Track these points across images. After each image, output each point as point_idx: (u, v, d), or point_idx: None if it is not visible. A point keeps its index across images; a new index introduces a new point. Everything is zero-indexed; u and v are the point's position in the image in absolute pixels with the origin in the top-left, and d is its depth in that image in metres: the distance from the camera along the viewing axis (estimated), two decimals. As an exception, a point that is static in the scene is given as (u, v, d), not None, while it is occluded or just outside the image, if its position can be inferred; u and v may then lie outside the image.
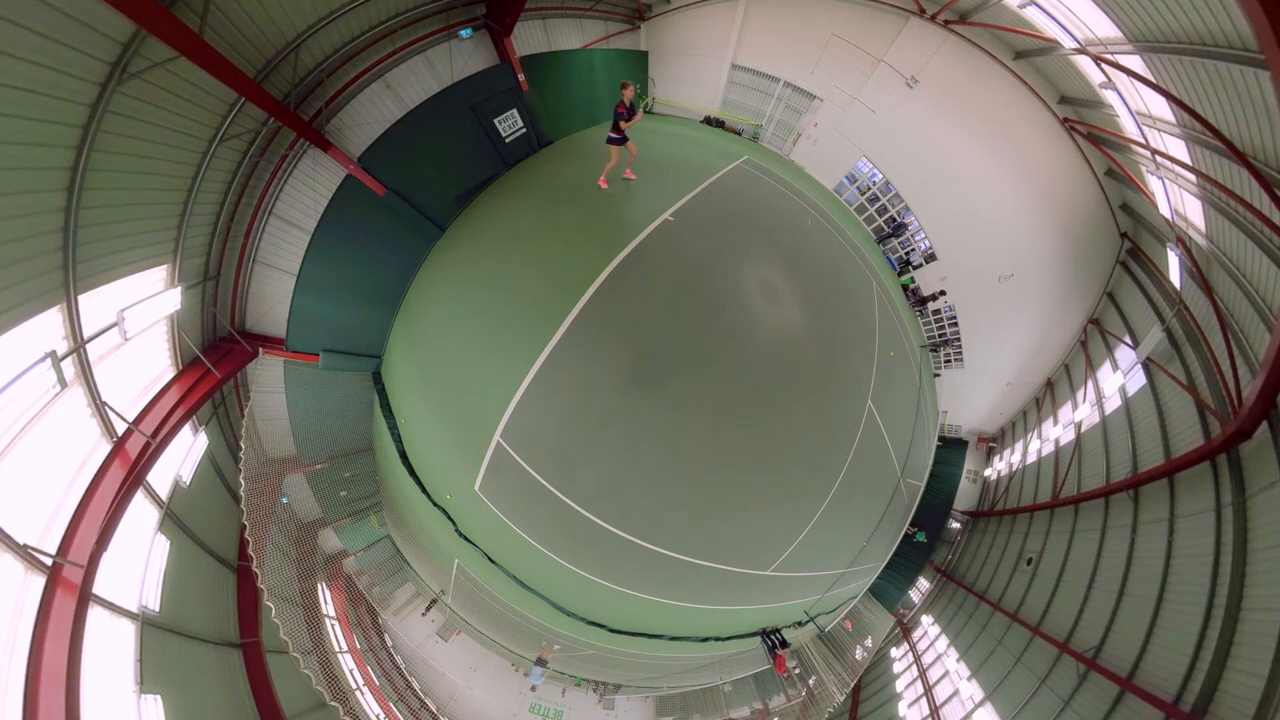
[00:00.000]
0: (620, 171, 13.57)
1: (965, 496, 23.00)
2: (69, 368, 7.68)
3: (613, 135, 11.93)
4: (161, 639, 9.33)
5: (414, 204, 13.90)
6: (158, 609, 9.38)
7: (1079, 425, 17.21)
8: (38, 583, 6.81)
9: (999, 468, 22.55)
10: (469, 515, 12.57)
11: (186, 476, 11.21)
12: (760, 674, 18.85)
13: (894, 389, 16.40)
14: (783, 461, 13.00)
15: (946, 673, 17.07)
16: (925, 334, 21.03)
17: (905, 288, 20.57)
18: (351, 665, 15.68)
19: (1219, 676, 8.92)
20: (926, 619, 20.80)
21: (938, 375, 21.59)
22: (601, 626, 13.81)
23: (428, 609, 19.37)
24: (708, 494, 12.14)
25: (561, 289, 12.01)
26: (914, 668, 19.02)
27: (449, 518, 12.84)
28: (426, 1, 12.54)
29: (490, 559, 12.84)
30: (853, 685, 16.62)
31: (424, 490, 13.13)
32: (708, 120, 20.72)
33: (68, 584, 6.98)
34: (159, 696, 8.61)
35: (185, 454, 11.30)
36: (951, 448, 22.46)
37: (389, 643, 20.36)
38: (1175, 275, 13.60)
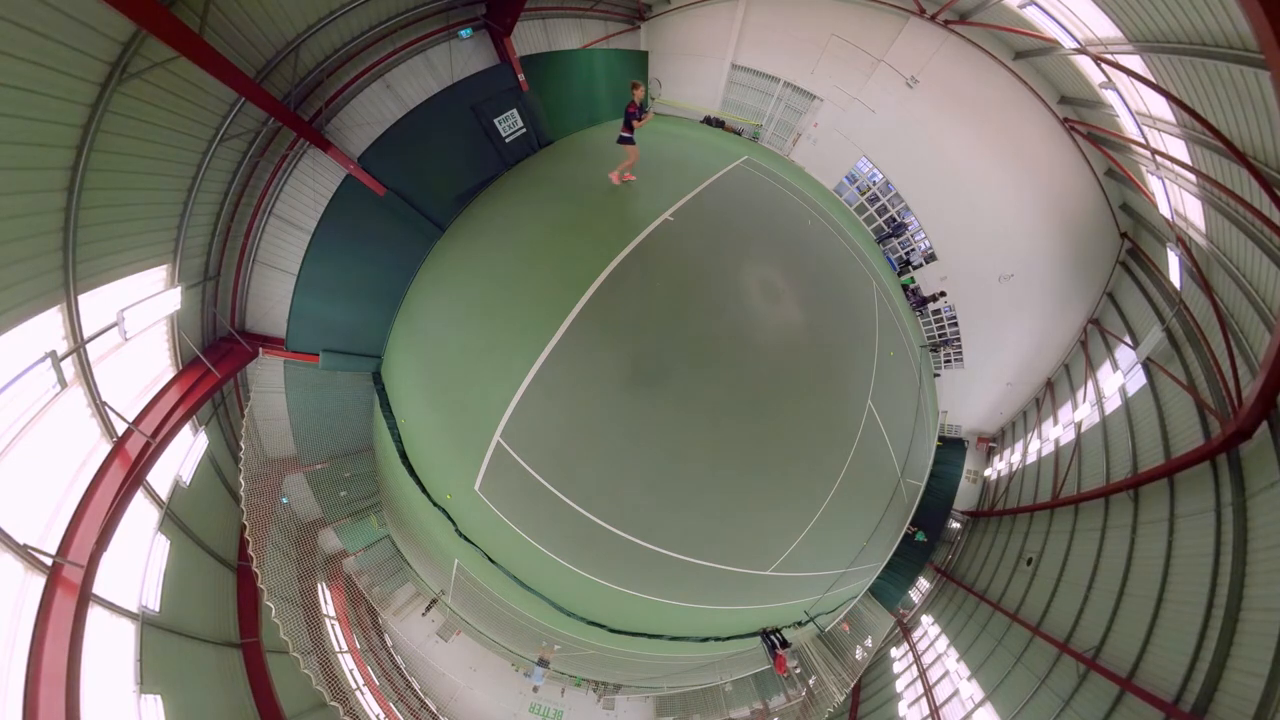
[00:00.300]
0: (625, 173, 13.63)
1: (965, 496, 23.00)
2: (69, 368, 7.68)
3: (624, 135, 11.99)
4: (161, 639, 9.33)
5: (414, 204, 13.91)
6: (158, 609, 9.39)
7: (1079, 425, 17.21)
8: (38, 583, 6.81)
9: (999, 468, 22.56)
10: (469, 515, 12.57)
11: (186, 476, 11.21)
12: (760, 674, 18.86)
13: (894, 389, 16.40)
14: (783, 461, 13.01)
15: (946, 673, 17.07)
16: (925, 334, 21.03)
17: (905, 288, 20.57)
18: (351, 665, 15.68)
19: (1219, 676, 8.92)
20: (926, 619, 20.80)
21: (938, 375, 21.59)
22: (601, 626, 13.81)
23: (428, 609, 19.37)
24: (708, 494, 12.14)
25: (561, 289, 12.01)
26: (914, 668, 19.02)
27: (449, 518, 12.83)
28: (426, 1, 12.54)
29: (490, 559, 12.84)
30: (853, 685, 16.63)
31: (424, 490, 13.12)
32: (708, 120, 20.72)
33: (68, 584, 6.99)
34: (159, 696, 8.62)
35: (185, 454, 11.31)
36: (951, 448, 22.46)
37: (389, 643, 20.36)
38: (1175, 275, 13.60)
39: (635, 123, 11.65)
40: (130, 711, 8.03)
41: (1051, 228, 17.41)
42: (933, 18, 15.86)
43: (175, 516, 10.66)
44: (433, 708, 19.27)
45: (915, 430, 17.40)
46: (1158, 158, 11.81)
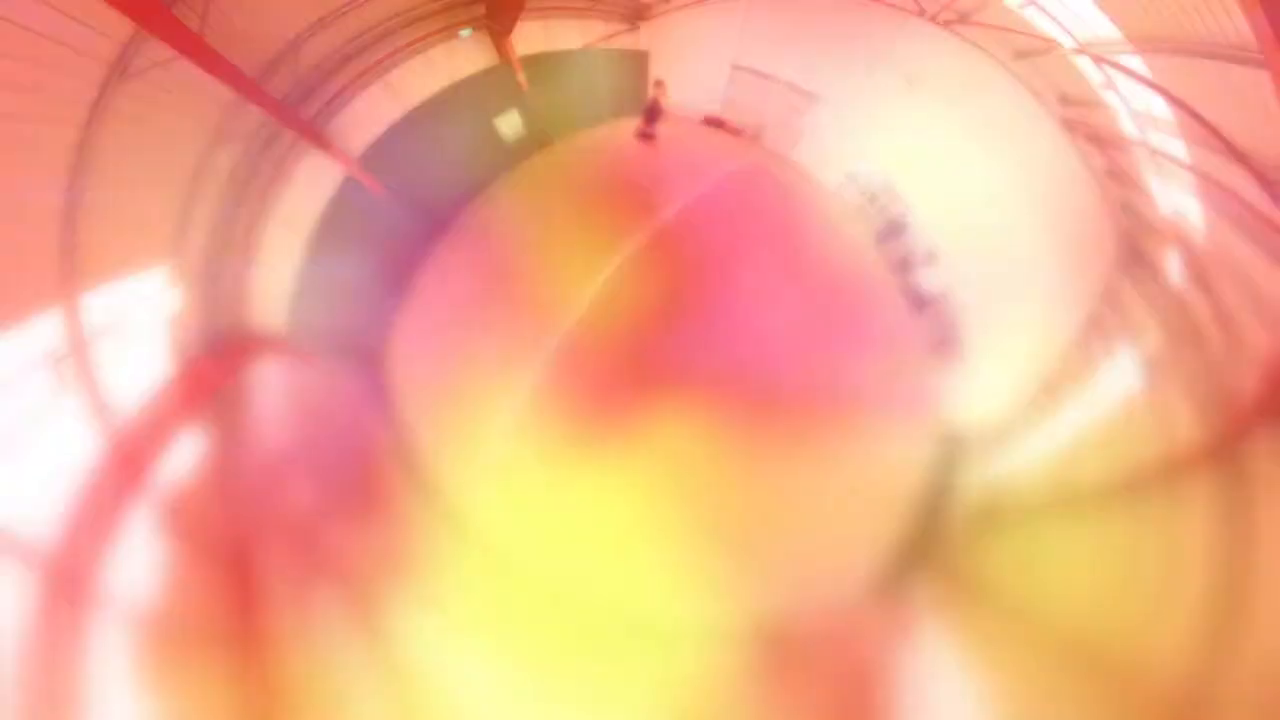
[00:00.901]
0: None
1: (965, 496, 22.95)
2: (69, 368, 7.67)
3: (645, 130, 12.00)
4: (161, 639, 9.29)
5: (414, 204, 13.89)
6: (158, 609, 9.35)
7: (1078, 425, 17.17)
8: (37, 583, 6.79)
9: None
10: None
11: (187, 477, 11.17)
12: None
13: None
14: (784, 462, 12.97)
15: (946, 673, 17.04)
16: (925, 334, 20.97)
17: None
18: (351, 665, 15.63)
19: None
20: (926, 619, 20.77)
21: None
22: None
23: (428, 609, 19.35)
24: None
25: (562, 289, 12.00)
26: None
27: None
28: (426, 1, 12.54)
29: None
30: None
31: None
32: (708, 120, 20.69)
33: (68, 585, 6.97)
34: (159, 696, 8.59)
35: (185, 454, 11.27)
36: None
37: (389, 643, 20.32)
38: (1175, 275, 13.58)
39: (659, 119, 11.70)
40: (130, 712, 8.02)
41: (1051, 228, 17.39)
42: (933, 18, 15.85)
43: (175, 516, 10.63)
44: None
45: (915, 430, 17.36)
46: (1158, 158, 11.80)
